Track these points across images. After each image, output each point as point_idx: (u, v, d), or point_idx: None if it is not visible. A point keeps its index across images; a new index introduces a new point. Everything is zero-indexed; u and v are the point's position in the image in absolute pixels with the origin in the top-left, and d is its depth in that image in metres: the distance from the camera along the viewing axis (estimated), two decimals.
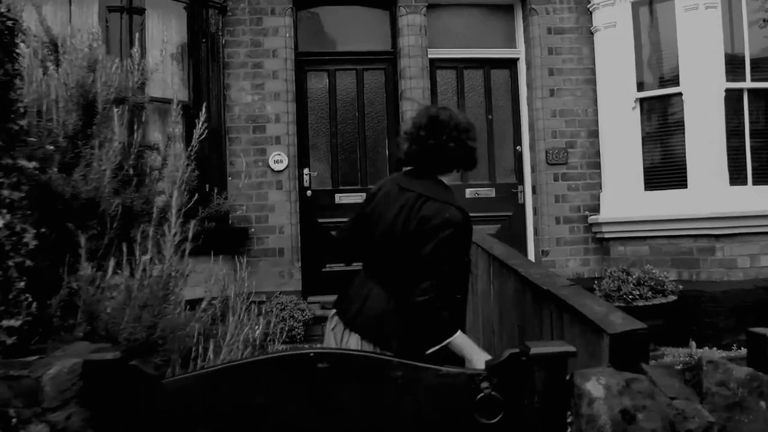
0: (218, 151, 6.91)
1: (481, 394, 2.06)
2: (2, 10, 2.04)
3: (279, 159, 7.17)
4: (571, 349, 2.04)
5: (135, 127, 3.16)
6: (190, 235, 3.46)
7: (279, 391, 1.98)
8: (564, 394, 2.03)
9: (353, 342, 2.77)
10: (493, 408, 2.06)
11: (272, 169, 7.16)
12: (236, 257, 7.00)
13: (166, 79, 6.69)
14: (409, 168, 2.90)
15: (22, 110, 2.13)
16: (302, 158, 7.48)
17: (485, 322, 3.98)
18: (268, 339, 6.37)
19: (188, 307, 3.23)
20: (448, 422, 2.04)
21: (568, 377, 2.05)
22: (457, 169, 2.86)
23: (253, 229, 7.11)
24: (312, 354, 2.03)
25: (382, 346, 2.67)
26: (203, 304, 2.94)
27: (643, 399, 1.99)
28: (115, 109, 2.50)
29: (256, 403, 1.96)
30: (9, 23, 2.03)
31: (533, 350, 2.02)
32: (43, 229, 2.21)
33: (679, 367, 2.73)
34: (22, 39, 2.90)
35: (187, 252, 2.51)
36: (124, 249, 2.44)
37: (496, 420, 2.01)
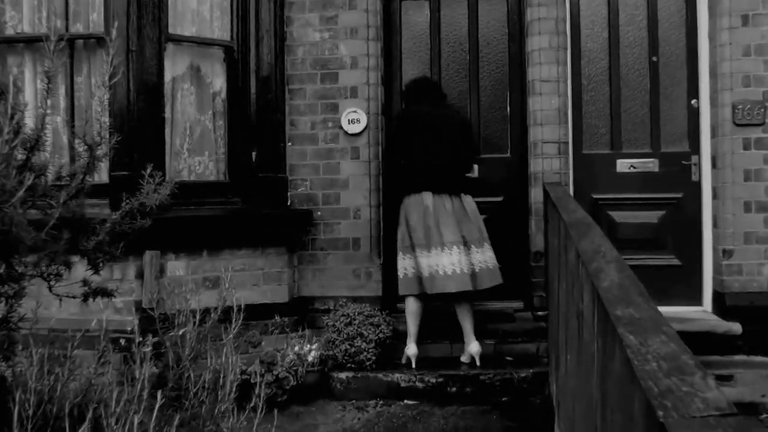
0: (271, 107, 5.17)
1: None
2: None
3: (355, 118, 5.33)
4: None
5: None
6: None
7: None
8: None
9: (429, 197, 4.80)
10: None
11: (346, 132, 5.34)
12: (293, 251, 5.35)
13: (203, 12, 5.01)
14: None
15: None
16: (390, 117, 5.60)
17: (588, 399, 2.07)
18: (318, 366, 4.67)
19: None
20: None
21: None
22: None
23: (319, 212, 5.36)
24: None
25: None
26: None
27: None
28: None
29: None
30: None
31: None
32: None
33: None
34: None
35: None
36: None
37: None
